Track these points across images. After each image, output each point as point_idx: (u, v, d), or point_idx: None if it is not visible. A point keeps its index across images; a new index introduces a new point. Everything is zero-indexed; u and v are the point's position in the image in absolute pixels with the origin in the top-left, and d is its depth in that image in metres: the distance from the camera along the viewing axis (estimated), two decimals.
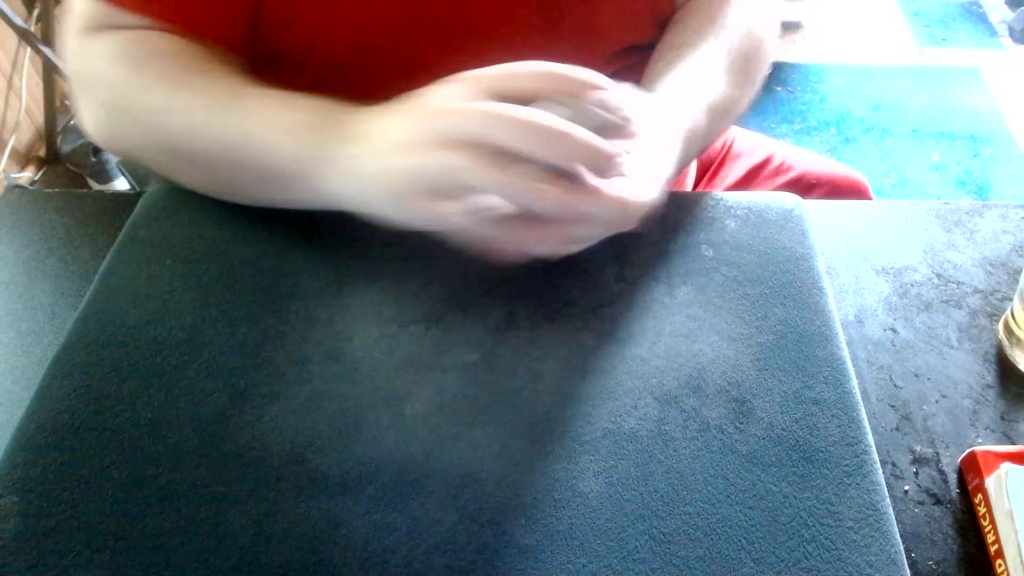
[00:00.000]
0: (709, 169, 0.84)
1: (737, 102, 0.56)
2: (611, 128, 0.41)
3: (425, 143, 0.40)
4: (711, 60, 0.56)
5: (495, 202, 0.41)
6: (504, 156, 0.38)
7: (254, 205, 0.52)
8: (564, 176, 0.39)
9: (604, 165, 0.40)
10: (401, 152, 0.41)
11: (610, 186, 0.40)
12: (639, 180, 0.43)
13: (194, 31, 0.53)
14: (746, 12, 0.60)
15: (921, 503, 0.41)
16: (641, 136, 0.45)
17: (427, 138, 0.40)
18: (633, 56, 0.65)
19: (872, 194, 0.80)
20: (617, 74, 0.65)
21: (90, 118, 0.54)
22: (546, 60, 0.62)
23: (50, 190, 0.69)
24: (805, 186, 0.77)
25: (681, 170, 0.51)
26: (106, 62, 0.51)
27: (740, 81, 0.57)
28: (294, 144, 0.45)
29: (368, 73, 0.59)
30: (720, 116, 0.54)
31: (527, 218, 0.41)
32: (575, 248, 0.45)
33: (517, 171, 0.38)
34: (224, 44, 0.54)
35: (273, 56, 0.59)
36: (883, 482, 0.40)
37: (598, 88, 0.41)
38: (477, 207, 0.40)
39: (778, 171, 0.79)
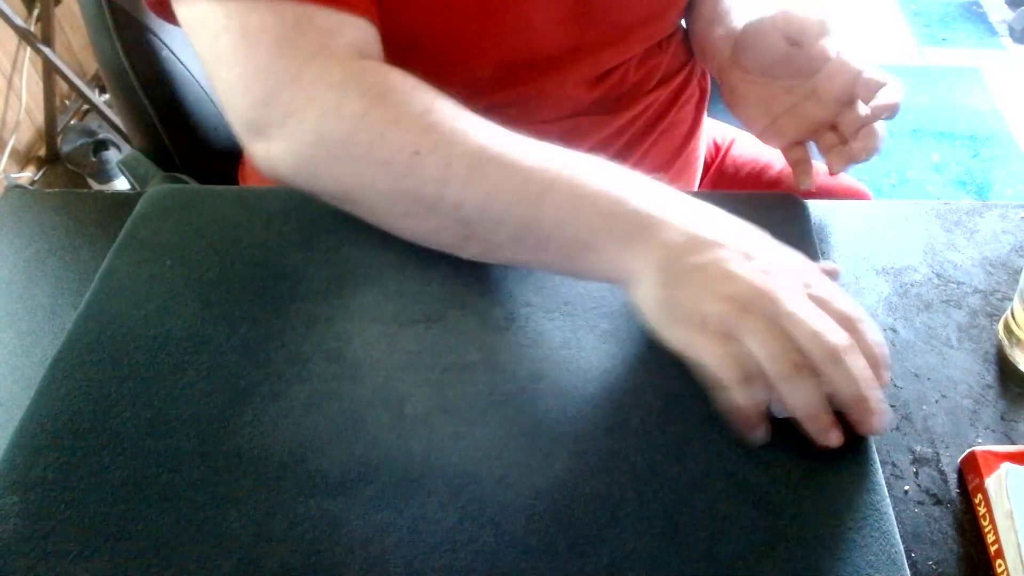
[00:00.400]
0: (709, 170, 0.84)
1: None
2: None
3: (750, 316, 0.40)
4: None
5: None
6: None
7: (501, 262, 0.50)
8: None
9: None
10: (719, 302, 0.40)
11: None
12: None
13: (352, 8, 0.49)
14: None
15: (921, 503, 0.41)
16: None
17: (751, 312, 0.40)
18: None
19: (871, 197, 0.80)
20: (642, 57, 0.65)
21: (291, 149, 0.47)
22: (577, 58, 0.60)
23: (50, 190, 0.69)
24: (804, 193, 0.77)
25: None
26: (334, 92, 0.45)
27: None
28: (593, 224, 0.43)
29: (403, 50, 0.55)
30: None
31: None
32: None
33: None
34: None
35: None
36: (883, 482, 0.40)
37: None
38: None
39: (779, 178, 0.79)
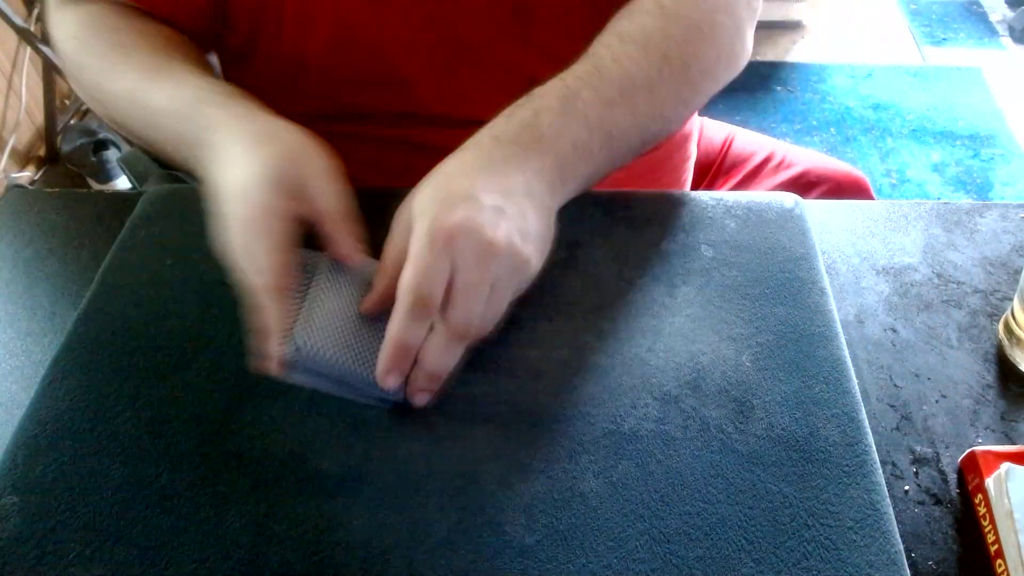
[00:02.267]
0: (710, 170, 0.84)
1: (647, 80, 0.49)
2: None
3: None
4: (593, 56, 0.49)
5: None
6: None
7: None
8: None
9: None
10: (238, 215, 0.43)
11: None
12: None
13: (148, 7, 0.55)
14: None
15: (921, 503, 0.41)
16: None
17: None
18: None
19: (873, 193, 0.80)
20: None
21: (74, 87, 0.58)
22: (521, 67, 0.59)
23: (50, 190, 0.69)
24: (806, 183, 0.77)
25: (581, 186, 0.47)
26: (66, 39, 0.55)
27: (643, 58, 0.49)
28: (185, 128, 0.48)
29: (340, 77, 0.58)
30: (611, 105, 0.47)
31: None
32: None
33: None
34: (179, 21, 0.57)
35: (244, 52, 0.60)
36: (883, 482, 0.40)
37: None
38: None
39: (779, 167, 0.79)
